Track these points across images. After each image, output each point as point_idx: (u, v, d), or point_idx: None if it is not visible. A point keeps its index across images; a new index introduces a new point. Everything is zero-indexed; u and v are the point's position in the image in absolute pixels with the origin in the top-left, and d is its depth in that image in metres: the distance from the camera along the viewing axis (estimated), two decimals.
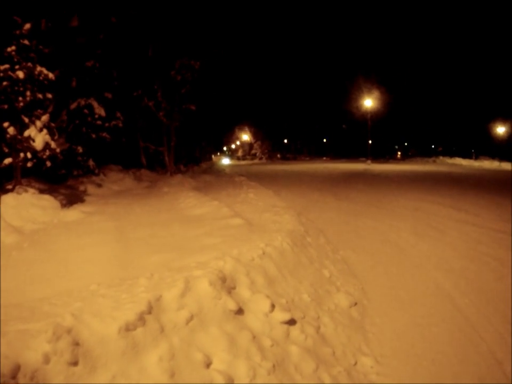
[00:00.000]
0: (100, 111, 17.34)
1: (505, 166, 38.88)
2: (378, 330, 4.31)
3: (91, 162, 16.81)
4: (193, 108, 23.92)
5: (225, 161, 68.11)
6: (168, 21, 22.20)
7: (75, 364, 2.15)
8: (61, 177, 15.32)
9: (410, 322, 4.48)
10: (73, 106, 17.03)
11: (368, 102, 48.17)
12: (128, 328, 2.51)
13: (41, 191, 10.48)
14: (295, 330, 3.62)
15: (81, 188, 14.40)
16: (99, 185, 15.25)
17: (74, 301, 3.00)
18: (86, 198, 12.42)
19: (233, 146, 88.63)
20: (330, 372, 3.34)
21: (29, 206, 8.68)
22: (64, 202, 10.56)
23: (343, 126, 71.90)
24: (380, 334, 4.23)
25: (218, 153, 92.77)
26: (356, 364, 3.63)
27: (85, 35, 16.94)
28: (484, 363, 3.66)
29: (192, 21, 23.09)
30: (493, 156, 49.10)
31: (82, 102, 17.06)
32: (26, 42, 10.41)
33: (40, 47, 11.18)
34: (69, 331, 2.24)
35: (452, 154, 56.11)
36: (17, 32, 10.32)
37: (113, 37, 18.38)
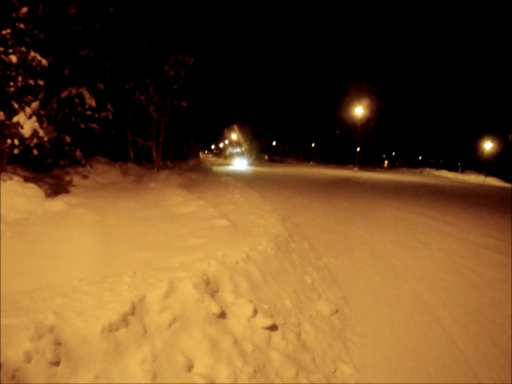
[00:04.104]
0: (91, 101, 17.11)
1: (491, 181, 39.59)
2: (359, 339, 4.35)
3: (78, 153, 16.57)
4: (184, 104, 23.82)
5: (239, 163, 46.40)
6: (165, 15, 22.08)
7: (57, 363, 2.12)
8: (47, 166, 15.10)
9: (390, 332, 4.53)
10: (64, 94, 16.76)
11: (359, 110, 48.45)
12: (111, 328, 2.49)
13: (26, 179, 10.31)
14: (276, 336, 3.63)
15: (67, 178, 14.19)
16: (85, 177, 15.06)
17: (56, 296, 2.96)
18: (71, 189, 12.26)
19: (221, 145, 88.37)
20: (310, 379, 3.36)
21: (13, 194, 8.54)
22: (48, 192, 10.41)
23: (337, 131, 71.92)
24: (359, 343, 4.27)
25: (206, 151, 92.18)
26: (335, 371, 3.66)
27: (81, 23, 16.69)
28: (461, 373, 3.73)
29: (189, 17, 23.01)
30: (479, 170, 49.83)
31: (74, 91, 16.81)
32: (22, 26, 10.20)
33: (36, 32, 10.99)
34: (51, 330, 2.21)
35: (439, 167, 56.80)
36: (14, 15, 10.12)
37: (109, 27, 18.15)
